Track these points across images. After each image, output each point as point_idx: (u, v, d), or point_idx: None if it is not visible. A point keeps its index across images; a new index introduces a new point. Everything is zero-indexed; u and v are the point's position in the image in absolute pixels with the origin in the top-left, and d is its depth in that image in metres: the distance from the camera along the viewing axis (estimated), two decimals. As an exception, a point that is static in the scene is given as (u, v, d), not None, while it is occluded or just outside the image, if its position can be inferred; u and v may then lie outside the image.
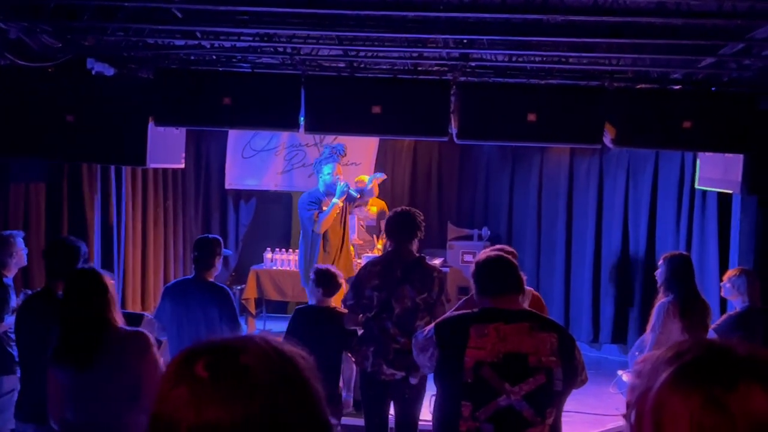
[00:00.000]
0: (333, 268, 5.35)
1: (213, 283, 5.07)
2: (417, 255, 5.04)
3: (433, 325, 3.61)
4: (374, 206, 9.09)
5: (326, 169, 7.17)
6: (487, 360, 3.33)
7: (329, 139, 9.73)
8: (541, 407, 3.33)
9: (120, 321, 3.30)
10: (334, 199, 7.07)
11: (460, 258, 9.31)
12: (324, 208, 7.09)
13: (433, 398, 3.72)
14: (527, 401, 3.31)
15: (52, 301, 4.08)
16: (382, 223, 8.72)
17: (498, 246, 4.91)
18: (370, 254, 8.29)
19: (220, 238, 5.29)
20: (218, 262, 5.11)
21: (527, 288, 4.81)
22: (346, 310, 5.09)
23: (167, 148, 6.37)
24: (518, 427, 3.33)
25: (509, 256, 3.75)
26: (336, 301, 5.32)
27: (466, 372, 3.33)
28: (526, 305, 4.69)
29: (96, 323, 3.22)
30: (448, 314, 3.79)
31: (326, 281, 5.22)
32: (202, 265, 5.06)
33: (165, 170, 8.51)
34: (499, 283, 3.52)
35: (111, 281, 3.35)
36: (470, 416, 3.34)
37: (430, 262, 5.24)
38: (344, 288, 5.27)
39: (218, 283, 5.11)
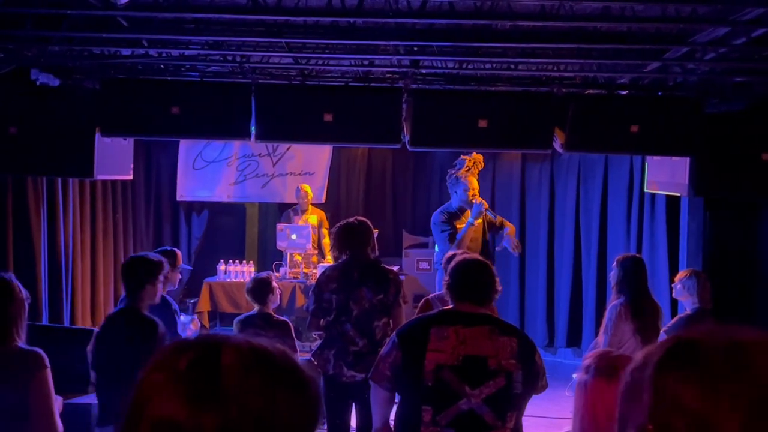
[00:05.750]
0: (265, 275, 5.55)
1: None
2: (373, 259, 5.12)
3: (395, 331, 3.62)
4: (314, 215, 9.10)
5: (463, 186, 6.92)
6: (447, 363, 3.33)
7: (282, 149, 9.70)
8: (501, 411, 3.34)
9: (21, 338, 3.14)
10: (471, 219, 6.81)
11: (416, 266, 9.33)
12: (458, 225, 6.84)
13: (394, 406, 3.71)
14: (488, 405, 3.31)
15: (134, 319, 4.12)
16: (322, 231, 8.89)
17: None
18: (324, 263, 8.27)
19: (176, 250, 5.36)
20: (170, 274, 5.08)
21: None
22: (283, 318, 5.35)
23: (115, 159, 6.26)
24: (479, 431, 3.33)
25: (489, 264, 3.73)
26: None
27: (426, 375, 3.33)
28: None
29: None
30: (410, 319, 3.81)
31: (263, 288, 5.35)
32: None
33: (114, 182, 8.35)
34: (469, 290, 3.53)
35: (23, 296, 3.21)
36: (431, 421, 3.33)
37: (385, 266, 5.30)
38: (277, 292, 5.45)
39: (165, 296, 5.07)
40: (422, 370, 3.33)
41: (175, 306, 5.19)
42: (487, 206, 6.94)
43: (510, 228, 7.04)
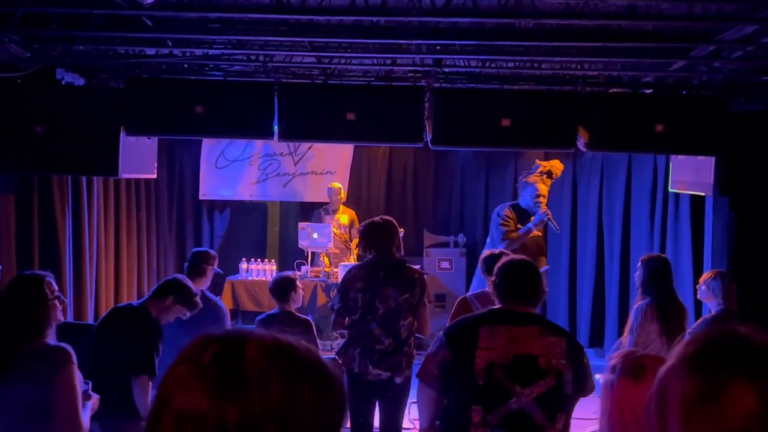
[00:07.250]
0: (290, 274, 5.56)
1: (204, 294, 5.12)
2: (398, 258, 5.12)
3: (442, 331, 3.61)
4: (345, 215, 9.09)
5: (531, 190, 6.97)
6: (498, 361, 3.31)
7: (303, 148, 9.72)
8: (551, 411, 3.32)
9: (51, 335, 3.15)
10: (530, 224, 6.84)
11: (437, 265, 9.32)
12: (518, 225, 6.87)
13: (414, 406, 3.68)
14: (538, 404, 3.30)
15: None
16: (354, 231, 8.86)
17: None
18: (346, 262, 8.27)
19: (211, 251, 5.64)
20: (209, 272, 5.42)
21: None
22: (305, 316, 5.38)
23: (139, 158, 6.31)
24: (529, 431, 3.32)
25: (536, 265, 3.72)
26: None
27: (477, 374, 3.31)
28: None
29: (20, 332, 3.08)
30: (457, 318, 3.79)
31: (286, 286, 5.38)
32: (193, 274, 5.30)
33: (137, 181, 8.41)
34: (518, 291, 3.52)
35: (55, 294, 3.22)
36: (481, 422, 3.31)
37: (410, 265, 5.30)
38: (300, 292, 5.50)
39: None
40: (473, 368, 3.30)
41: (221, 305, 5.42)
42: (550, 217, 6.95)
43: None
